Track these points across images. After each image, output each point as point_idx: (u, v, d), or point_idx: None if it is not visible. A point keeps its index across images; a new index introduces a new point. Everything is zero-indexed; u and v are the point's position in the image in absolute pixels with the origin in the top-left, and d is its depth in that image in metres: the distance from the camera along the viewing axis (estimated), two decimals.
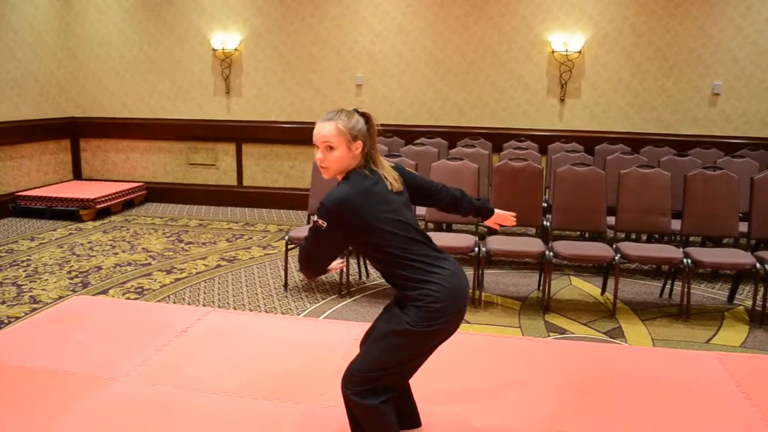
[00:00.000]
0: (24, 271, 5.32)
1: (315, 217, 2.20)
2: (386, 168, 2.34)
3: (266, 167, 8.10)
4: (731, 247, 4.97)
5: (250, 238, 6.60)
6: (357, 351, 2.44)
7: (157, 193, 8.40)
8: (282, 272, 5.27)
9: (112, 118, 8.40)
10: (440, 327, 2.22)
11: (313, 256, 2.27)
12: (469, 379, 3.40)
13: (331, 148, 2.23)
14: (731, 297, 4.89)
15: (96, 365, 3.48)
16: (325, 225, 2.15)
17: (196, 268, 5.48)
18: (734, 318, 4.52)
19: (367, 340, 2.44)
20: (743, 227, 4.85)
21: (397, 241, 2.21)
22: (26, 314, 4.33)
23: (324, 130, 2.24)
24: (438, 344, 2.32)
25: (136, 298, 4.72)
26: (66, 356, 3.59)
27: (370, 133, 2.31)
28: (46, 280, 5.11)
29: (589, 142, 6.92)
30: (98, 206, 7.37)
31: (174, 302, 4.66)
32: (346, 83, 7.72)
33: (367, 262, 5.30)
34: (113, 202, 7.65)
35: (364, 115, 2.30)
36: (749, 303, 4.73)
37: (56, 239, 6.41)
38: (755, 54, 6.92)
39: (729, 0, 6.85)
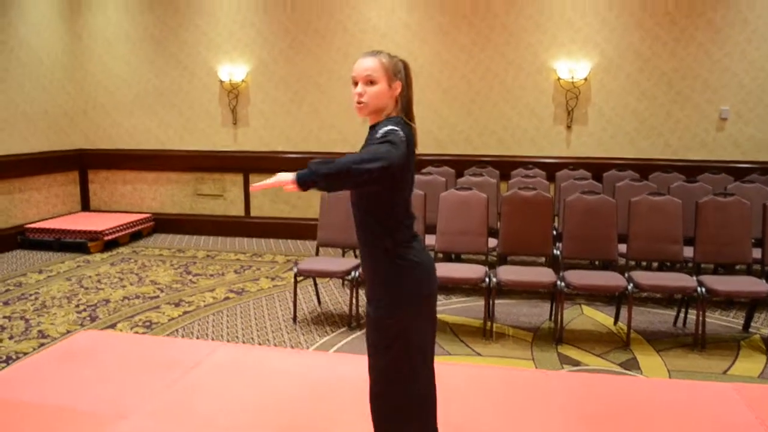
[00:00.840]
0: (32, 305, 5.30)
1: (388, 131, 2.07)
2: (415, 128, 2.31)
3: (273, 197, 8.10)
4: (744, 274, 4.92)
5: (258, 269, 6.57)
6: (368, 385, 2.38)
7: (164, 224, 8.40)
8: (291, 304, 5.23)
9: (120, 150, 8.44)
10: (418, 309, 2.20)
11: (387, 156, 1.97)
12: (483, 413, 3.34)
13: (371, 82, 2.19)
14: (746, 325, 4.81)
15: (105, 402, 3.43)
16: (404, 140, 2.06)
17: (204, 301, 5.45)
18: (751, 347, 4.45)
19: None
20: (756, 253, 4.79)
21: (403, 202, 2.21)
22: (34, 349, 4.30)
23: (366, 63, 2.20)
24: (428, 340, 2.28)
25: (144, 332, 4.69)
26: (74, 393, 3.54)
27: (407, 82, 2.28)
28: (54, 313, 5.09)
29: (596, 168, 6.89)
30: (106, 238, 7.37)
31: (182, 336, 4.62)
32: (353, 113, 7.71)
33: None
34: (121, 233, 7.65)
35: (402, 61, 2.28)
36: (765, 331, 4.67)
37: (64, 272, 6.39)
38: (761, 78, 6.92)
39: (734, 25, 6.88)
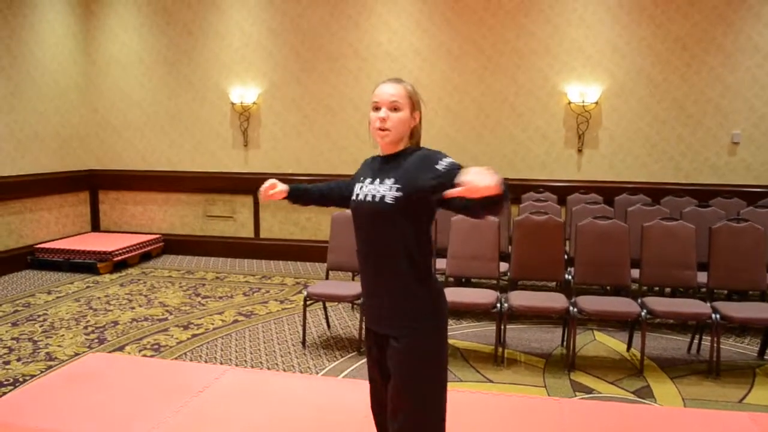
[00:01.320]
0: (40, 326, 5.29)
1: (452, 162, 1.99)
2: None
3: (283, 219, 8.11)
4: (758, 300, 4.85)
5: (267, 291, 6.55)
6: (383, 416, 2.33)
7: (174, 245, 8.41)
8: (300, 328, 5.20)
9: (131, 171, 8.49)
10: (443, 332, 2.21)
11: None
12: None
13: (396, 108, 2.14)
14: (761, 352, 4.74)
15: (112, 427, 3.40)
16: None
17: (213, 324, 5.42)
18: (766, 375, 4.37)
19: (382, 408, 2.29)
20: None
21: (430, 231, 2.21)
22: (41, 372, 4.28)
23: (392, 89, 2.15)
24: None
25: (152, 355, 4.66)
26: (81, 417, 3.51)
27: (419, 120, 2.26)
28: (63, 335, 5.07)
29: (608, 192, 6.86)
30: (115, 259, 7.37)
31: (191, 359, 4.59)
32: (364, 136, 7.75)
33: None
34: (130, 254, 7.66)
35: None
36: None
37: (73, 293, 6.39)
38: None
39: (745, 50, 6.87)
